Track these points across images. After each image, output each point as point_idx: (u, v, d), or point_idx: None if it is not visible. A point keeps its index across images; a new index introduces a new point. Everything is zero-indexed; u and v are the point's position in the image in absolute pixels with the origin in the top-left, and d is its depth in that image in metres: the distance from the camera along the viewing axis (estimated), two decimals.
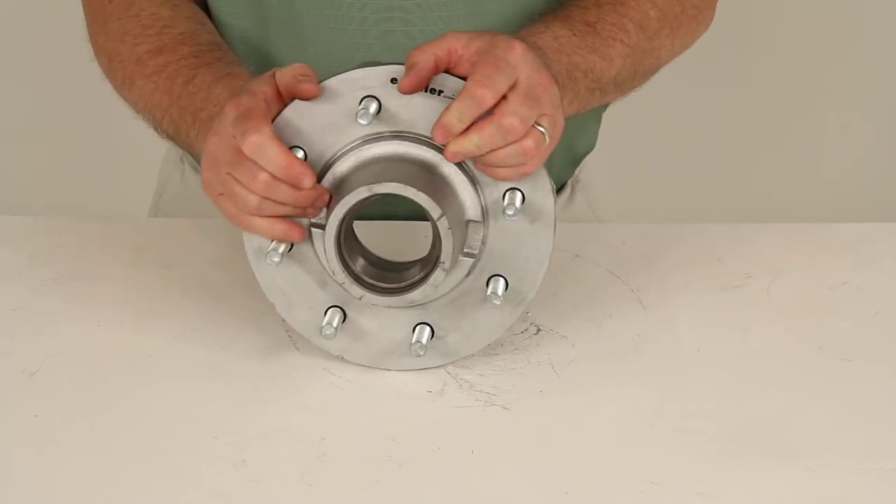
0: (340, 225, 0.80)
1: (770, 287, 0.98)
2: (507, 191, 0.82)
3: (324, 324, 0.84)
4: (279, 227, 0.82)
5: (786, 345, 0.91)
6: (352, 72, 0.81)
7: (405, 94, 0.80)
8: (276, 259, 0.82)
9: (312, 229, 0.83)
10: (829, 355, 0.90)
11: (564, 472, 0.77)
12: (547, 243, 0.84)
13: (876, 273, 1.01)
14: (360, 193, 0.79)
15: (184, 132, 0.93)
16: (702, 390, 0.85)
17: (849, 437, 0.81)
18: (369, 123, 0.80)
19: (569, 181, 1.16)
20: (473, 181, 0.82)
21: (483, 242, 0.83)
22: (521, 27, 0.95)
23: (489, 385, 0.85)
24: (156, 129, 0.99)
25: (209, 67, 0.94)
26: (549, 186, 0.83)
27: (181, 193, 1.19)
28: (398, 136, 0.82)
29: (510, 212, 0.81)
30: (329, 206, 0.81)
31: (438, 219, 0.79)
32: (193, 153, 0.96)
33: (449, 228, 0.80)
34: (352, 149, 0.82)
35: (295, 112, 0.82)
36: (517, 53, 0.80)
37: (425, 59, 0.80)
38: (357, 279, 0.83)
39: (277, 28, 1.01)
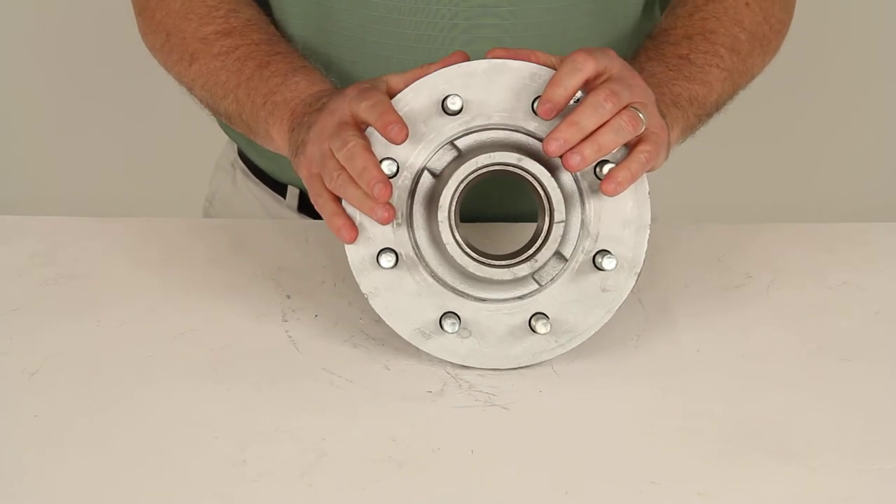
0: (469, 175, 0.83)
1: (770, 287, 0.98)
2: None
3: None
4: (370, 202, 0.83)
5: (786, 345, 0.91)
6: (540, 68, 0.84)
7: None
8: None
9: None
10: (829, 355, 0.90)
11: (564, 472, 0.77)
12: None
13: (876, 273, 1.01)
14: (481, 161, 0.82)
15: (248, 112, 0.96)
16: (702, 390, 0.85)
17: (849, 437, 0.81)
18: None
19: None
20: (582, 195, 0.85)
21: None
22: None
23: (489, 385, 0.85)
24: (210, 107, 1.01)
25: (283, 56, 0.97)
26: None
27: (232, 198, 1.21)
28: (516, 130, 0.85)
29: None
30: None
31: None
32: (253, 133, 0.98)
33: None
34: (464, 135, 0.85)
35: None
36: (612, 52, 0.83)
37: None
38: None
39: (340, 42, 1.02)
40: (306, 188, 0.88)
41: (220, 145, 1.25)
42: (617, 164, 0.83)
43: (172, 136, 2.16)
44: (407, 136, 0.82)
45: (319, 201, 0.86)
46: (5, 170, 2.25)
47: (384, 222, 0.83)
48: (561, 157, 0.81)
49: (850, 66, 2.19)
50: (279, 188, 1.16)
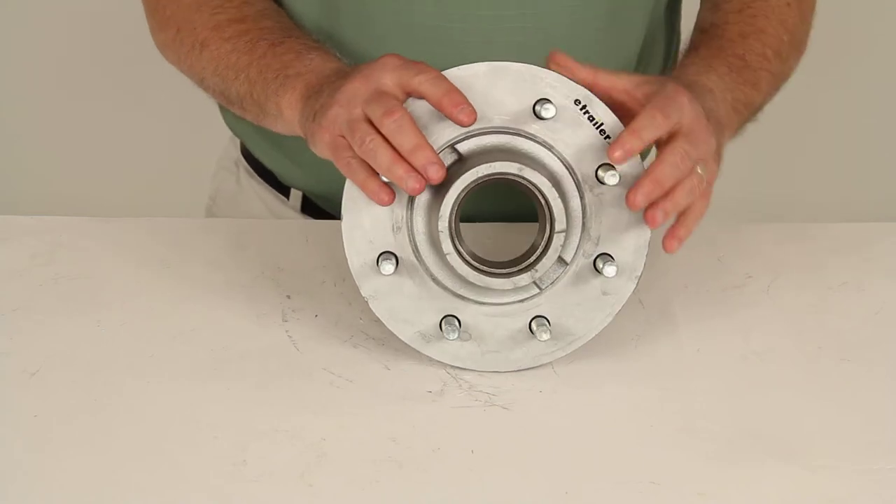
0: (471, 185, 0.81)
1: (770, 287, 0.98)
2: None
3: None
4: (402, 167, 0.80)
5: (786, 345, 0.91)
6: (541, 70, 0.83)
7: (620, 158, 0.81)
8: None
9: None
10: (829, 355, 0.90)
11: (564, 472, 0.77)
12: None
13: (876, 273, 1.01)
14: (481, 171, 0.80)
15: (259, 89, 0.93)
16: (702, 390, 0.85)
17: (849, 437, 0.81)
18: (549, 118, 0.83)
19: None
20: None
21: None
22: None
23: (489, 385, 0.85)
24: (222, 93, 0.99)
25: (297, 39, 0.95)
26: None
27: (236, 197, 1.20)
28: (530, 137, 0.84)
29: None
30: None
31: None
32: (263, 113, 0.95)
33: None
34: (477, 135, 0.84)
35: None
36: (686, 98, 0.84)
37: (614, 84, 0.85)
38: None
39: (348, 22, 1.01)
40: (329, 154, 0.84)
41: (221, 144, 1.25)
42: (677, 222, 0.85)
43: (173, 136, 2.16)
44: (476, 119, 0.81)
45: (353, 164, 0.82)
46: (5, 170, 2.25)
47: (414, 193, 0.81)
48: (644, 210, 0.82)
49: (850, 66, 2.18)
50: (283, 189, 1.15)
